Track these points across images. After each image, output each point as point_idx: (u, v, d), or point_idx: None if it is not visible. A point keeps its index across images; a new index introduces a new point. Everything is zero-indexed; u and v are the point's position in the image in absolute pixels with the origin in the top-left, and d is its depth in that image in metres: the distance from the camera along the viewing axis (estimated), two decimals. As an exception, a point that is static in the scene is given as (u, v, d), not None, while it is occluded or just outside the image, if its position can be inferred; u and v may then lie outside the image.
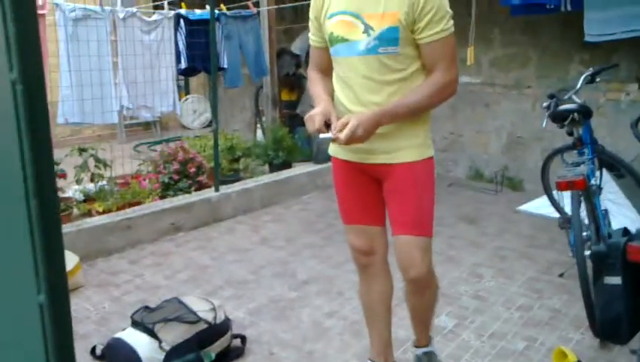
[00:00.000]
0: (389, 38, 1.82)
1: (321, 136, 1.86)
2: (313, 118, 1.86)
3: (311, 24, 2.05)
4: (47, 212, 0.47)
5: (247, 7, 5.35)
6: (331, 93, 2.03)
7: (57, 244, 0.47)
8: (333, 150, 2.12)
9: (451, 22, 1.86)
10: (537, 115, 4.99)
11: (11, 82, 0.45)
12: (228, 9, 5.11)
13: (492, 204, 4.84)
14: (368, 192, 2.09)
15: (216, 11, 4.43)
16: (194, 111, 8.09)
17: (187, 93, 7.89)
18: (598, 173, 3.42)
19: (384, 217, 2.14)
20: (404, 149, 1.95)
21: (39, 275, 0.47)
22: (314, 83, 2.07)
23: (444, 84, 1.87)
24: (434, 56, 1.85)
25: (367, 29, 1.85)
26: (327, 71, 2.06)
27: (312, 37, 2.07)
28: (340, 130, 1.80)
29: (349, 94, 1.94)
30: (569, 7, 4.44)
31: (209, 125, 8.15)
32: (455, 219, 4.48)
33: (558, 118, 3.25)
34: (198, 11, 4.77)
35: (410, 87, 1.89)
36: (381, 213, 2.13)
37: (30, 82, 0.46)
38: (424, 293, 2.16)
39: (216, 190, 4.54)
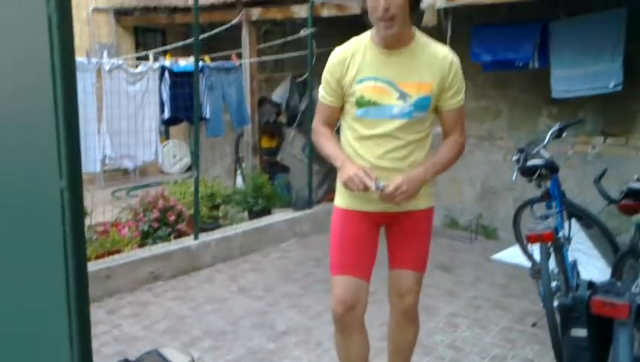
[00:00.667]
0: (423, 105, 2.08)
1: (375, 185, 2.03)
2: (354, 179, 2.03)
3: (326, 84, 2.18)
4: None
5: (230, 58, 5.51)
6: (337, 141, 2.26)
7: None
8: (347, 203, 2.23)
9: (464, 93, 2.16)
10: (509, 165, 5.18)
11: (60, 190, 0.54)
12: (211, 60, 5.26)
13: (467, 252, 4.95)
14: (371, 245, 2.27)
15: (200, 63, 4.57)
16: (173, 156, 8.17)
17: (167, 138, 7.97)
18: (566, 225, 3.56)
19: (372, 271, 2.28)
20: (424, 196, 2.20)
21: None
22: (325, 138, 2.23)
23: (462, 144, 2.22)
24: (453, 120, 2.17)
25: (404, 95, 2.07)
26: (333, 126, 2.28)
27: (326, 96, 2.20)
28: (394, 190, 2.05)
29: (374, 150, 2.13)
30: (537, 65, 4.70)
31: (188, 170, 8.23)
32: (431, 266, 4.50)
33: (527, 172, 3.41)
34: (182, 63, 4.91)
35: (423, 145, 2.17)
36: (372, 266, 2.29)
37: (74, 189, 0.55)
38: (411, 326, 2.39)
39: (196, 238, 4.57)
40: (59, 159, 0.56)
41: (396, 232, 2.28)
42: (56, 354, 0.63)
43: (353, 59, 2.11)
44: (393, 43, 2.06)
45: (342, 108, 2.22)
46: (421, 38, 2.13)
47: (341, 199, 2.25)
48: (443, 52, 2.11)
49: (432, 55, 2.09)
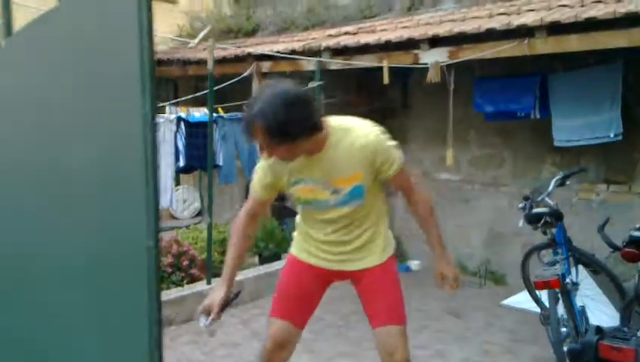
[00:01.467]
0: (357, 193, 2.16)
1: (202, 321, 2.18)
2: (203, 304, 2.22)
3: (259, 182, 2.23)
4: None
5: (241, 109, 5.72)
6: (247, 248, 2.40)
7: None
8: (298, 252, 2.37)
9: (399, 153, 2.20)
10: (515, 212, 5.24)
11: (147, 248, 0.66)
12: (224, 111, 5.46)
13: (476, 298, 4.99)
14: (315, 298, 2.44)
15: (214, 114, 4.77)
16: (184, 201, 8.32)
17: (177, 183, 8.13)
18: (574, 271, 3.63)
19: (306, 321, 2.41)
20: (376, 253, 2.31)
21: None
22: (235, 240, 2.31)
23: (427, 200, 2.33)
24: (403, 182, 2.27)
25: (336, 190, 2.15)
26: (259, 217, 2.37)
27: (259, 191, 2.25)
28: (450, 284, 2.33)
29: (326, 229, 2.26)
30: (538, 116, 4.87)
31: (197, 214, 8.35)
32: (441, 312, 4.61)
33: (533, 220, 3.51)
34: (197, 114, 5.11)
35: (374, 215, 2.27)
36: (309, 316, 2.43)
37: (156, 247, 0.67)
38: None
39: (209, 283, 4.64)
40: (147, 221, 0.69)
41: (361, 291, 2.37)
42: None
43: (280, 164, 2.15)
44: (310, 154, 2.09)
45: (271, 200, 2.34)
46: (335, 132, 2.11)
47: (296, 249, 2.39)
48: (359, 140, 2.09)
49: (350, 147, 2.09)
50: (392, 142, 2.17)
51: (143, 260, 0.69)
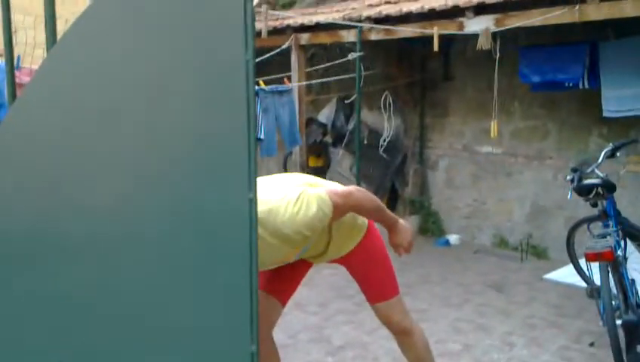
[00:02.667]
0: (304, 251, 2.18)
1: None
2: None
3: None
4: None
5: (281, 81, 5.71)
6: None
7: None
8: None
9: (326, 205, 1.99)
10: (559, 184, 5.17)
11: (249, 200, 0.66)
12: (266, 84, 5.46)
13: (518, 272, 4.94)
14: (295, 274, 2.42)
15: (256, 87, 4.77)
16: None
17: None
18: (623, 244, 3.55)
19: (286, 296, 2.43)
20: (346, 241, 2.31)
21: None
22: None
23: (363, 200, 2.20)
24: (340, 211, 2.09)
25: (284, 260, 2.15)
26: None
27: None
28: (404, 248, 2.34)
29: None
30: (587, 86, 4.71)
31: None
32: (483, 286, 4.58)
33: (583, 191, 3.43)
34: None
35: (326, 236, 2.25)
36: (288, 292, 2.44)
37: (256, 199, 0.68)
38: (407, 339, 2.47)
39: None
40: (249, 173, 0.69)
41: (351, 272, 2.44)
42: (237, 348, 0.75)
43: None
44: None
45: None
46: (265, 222, 1.93)
47: None
48: (285, 229, 1.92)
49: (277, 236, 1.94)
50: (312, 205, 1.93)
51: (245, 211, 0.70)
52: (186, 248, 0.76)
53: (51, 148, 0.93)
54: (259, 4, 6.48)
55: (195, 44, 0.71)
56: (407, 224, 2.38)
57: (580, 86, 4.75)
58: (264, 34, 4.39)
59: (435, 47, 4.73)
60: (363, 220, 2.34)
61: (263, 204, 1.91)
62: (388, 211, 2.31)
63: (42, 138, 0.94)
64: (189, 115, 0.73)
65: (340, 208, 2.04)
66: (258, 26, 5.39)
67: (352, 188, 2.18)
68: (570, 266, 4.29)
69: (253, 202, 0.71)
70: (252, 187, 0.70)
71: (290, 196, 1.92)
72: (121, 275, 0.85)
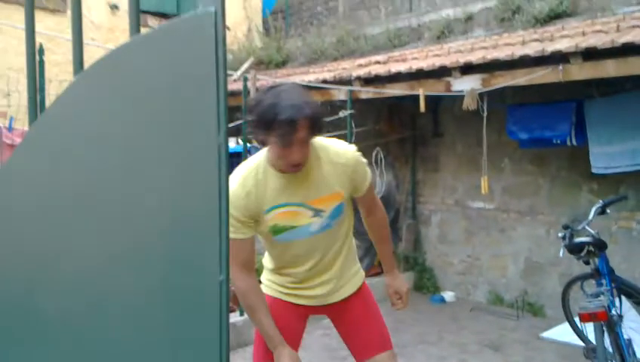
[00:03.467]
0: (337, 212, 2.08)
1: None
2: None
3: (235, 221, 1.96)
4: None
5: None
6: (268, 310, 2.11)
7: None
8: (272, 293, 2.19)
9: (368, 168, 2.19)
10: (552, 240, 5.15)
11: (219, 282, 0.65)
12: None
13: (515, 330, 4.84)
14: (296, 335, 2.22)
15: (248, 145, 4.81)
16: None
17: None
18: (617, 302, 3.51)
19: None
20: (349, 282, 2.23)
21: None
22: (253, 300, 2.04)
23: (385, 217, 2.33)
24: (370, 199, 2.23)
25: (318, 212, 2.02)
26: (253, 264, 2.08)
27: (238, 232, 1.97)
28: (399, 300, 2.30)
29: (304, 263, 2.10)
30: (574, 143, 4.78)
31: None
32: (479, 346, 4.48)
33: (575, 249, 3.42)
34: (232, 145, 5.18)
35: (349, 232, 2.21)
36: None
37: (228, 282, 0.66)
38: None
39: (242, 314, 4.62)
40: (220, 257, 0.68)
41: (344, 323, 2.25)
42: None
43: (257, 190, 1.96)
44: (292, 170, 1.96)
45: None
46: (318, 148, 2.01)
47: (271, 290, 2.20)
48: (342, 158, 2.04)
49: (332, 164, 2.02)
50: (363, 158, 2.16)
51: (216, 294, 0.69)
52: (155, 328, 0.74)
53: (28, 223, 0.93)
54: (247, 70, 6.65)
55: (168, 127, 0.72)
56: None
57: (568, 143, 4.82)
58: (252, 95, 4.49)
59: (422, 108, 4.83)
60: (360, 267, 2.31)
61: (322, 141, 2.06)
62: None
63: (19, 211, 0.94)
64: (160, 196, 0.73)
65: (373, 191, 2.25)
66: (236, 87, 5.51)
67: None
68: (567, 324, 4.22)
69: (223, 284, 0.70)
70: (223, 270, 0.69)
71: (346, 143, 2.16)
72: (94, 352, 0.83)
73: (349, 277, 2.22)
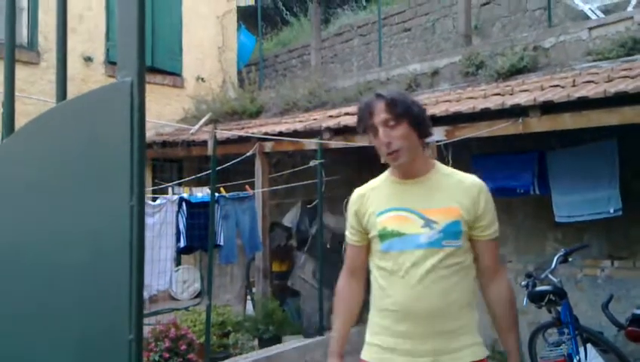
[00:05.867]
0: (453, 232, 1.88)
1: None
2: None
3: (349, 224, 2.07)
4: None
5: (243, 187, 5.81)
6: (354, 315, 2.11)
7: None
8: (378, 358, 1.96)
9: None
10: (519, 289, 5.17)
11: (128, 341, 0.66)
12: (226, 190, 5.54)
13: (484, 381, 4.79)
14: None
15: (217, 194, 4.83)
16: (183, 281, 8.21)
17: (178, 264, 8.07)
18: (582, 350, 3.53)
19: None
20: (469, 347, 1.91)
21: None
22: (341, 307, 2.09)
23: (510, 286, 2.01)
24: (491, 252, 1.96)
25: (429, 222, 1.89)
26: (361, 273, 2.09)
27: (351, 236, 2.08)
28: None
29: (405, 289, 1.89)
30: (537, 192, 4.91)
31: (197, 296, 8.23)
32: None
33: (536, 298, 3.46)
34: (199, 194, 5.18)
35: (467, 278, 1.93)
36: None
37: (138, 341, 0.67)
38: None
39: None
40: (129, 314, 0.70)
41: None
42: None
43: (372, 193, 2.03)
44: (409, 172, 1.97)
45: (368, 249, 2.05)
46: (443, 168, 2.05)
47: (368, 352, 1.98)
48: (470, 179, 1.99)
49: (458, 181, 1.97)
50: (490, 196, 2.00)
51: (125, 354, 0.69)
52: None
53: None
54: (205, 124, 6.73)
55: (86, 188, 0.74)
56: None
57: (531, 192, 4.94)
58: (210, 149, 4.57)
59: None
60: (482, 344, 1.96)
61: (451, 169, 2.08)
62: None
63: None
64: (75, 256, 0.75)
65: (497, 249, 2.03)
66: (207, 137, 5.58)
67: None
68: (535, 374, 4.20)
69: (133, 342, 0.71)
70: (132, 329, 0.70)
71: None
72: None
73: (467, 343, 1.91)
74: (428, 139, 2.03)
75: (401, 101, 1.91)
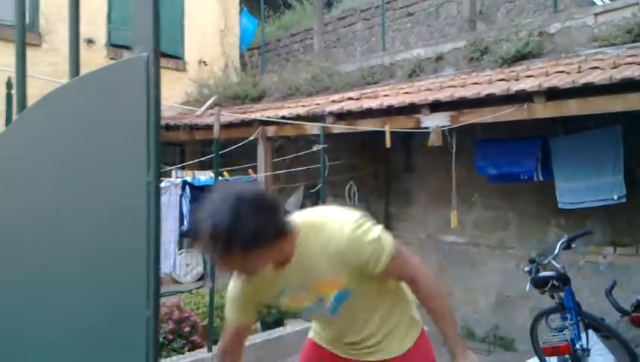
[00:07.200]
0: (342, 299, 1.85)
1: None
2: None
3: (232, 307, 1.95)
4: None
5: (246, 171, 5.81)
6: None
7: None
8: (318, 340, 2.12)
9: (387, 243, 1.79)
10: (522, 275, 5.18)
11: (146, 317, 0.66)
12: (229, 174, 5.54)
13: (485, 365, 4.84)
14: None
15: (220, 178, 4.82)
16: (187, 265, 8.24)
17: (181, 247, 8.09)
18: (584, 336, 3.55)
19: None
20: (396, 340, 1.99)
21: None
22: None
23: (427, 279, 1.92)
24: (398, 272, 1.88)
25: (321, 297, 1.85)
26: (244, 339, 2.05)
27: (236, 316, 1.95)
28: None
29: (331, 329, 2.02)
30: (540, 178, 4.90)
31: (200, 279, 8.27)
32: (449, 381, 4.45)
33: (539, 283, 3.47)
34: (202, 178, 5.18)
35: (397, 294, 1.98)
36: None
37: (155, 317, 0.66)
38: None
39: (209, 350, 4.53)
40: (147, 290, 0.69)
41: None
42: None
43: (259, 282, 1.83)
44: (278, 264, 1.78)
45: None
46: (305, 233, 1.75)
47: (315, 335, 2.16)
48: (332, 242, 1.73)
49: (322, 252, 1.75)
50: (375, 231, 1.76)
51: (142, 330, 0.69)
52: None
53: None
54: (211, 106, 6.70)
55: (101, 164, 0.74)
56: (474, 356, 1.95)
57: (535, 179, 4.93)
58: (216, 133, 4.53)
59: (388, 144, 4.91)
60: (418, 320, 2.03)
61: (317, 218, 1.80)
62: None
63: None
64: (92, 233, 0.74)
65: (403, 261, 1.83)
66: (210, 121, 5.56)
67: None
68: (536, 359, 4.23)
69: (150, 319, 0.71)
70: (150, 305, 0.70)
71: (352, 216, 1.77)
72: None
73: (392, 340, 1.99)
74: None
75: (224, 237, 1.52)
